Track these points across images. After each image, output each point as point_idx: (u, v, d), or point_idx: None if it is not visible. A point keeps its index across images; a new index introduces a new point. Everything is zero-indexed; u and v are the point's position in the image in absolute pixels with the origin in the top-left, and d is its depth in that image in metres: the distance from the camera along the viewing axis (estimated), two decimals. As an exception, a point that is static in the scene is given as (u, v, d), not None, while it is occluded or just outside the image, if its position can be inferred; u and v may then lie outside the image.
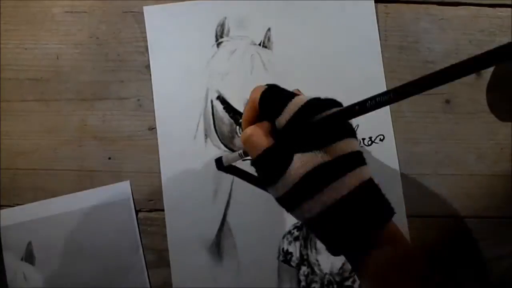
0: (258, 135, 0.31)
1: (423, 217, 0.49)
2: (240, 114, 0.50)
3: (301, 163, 0.29)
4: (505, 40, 0.50)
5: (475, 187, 0.49)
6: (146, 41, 0.50)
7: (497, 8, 0.50)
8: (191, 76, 0.50)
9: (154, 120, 0.50)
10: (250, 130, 0.32)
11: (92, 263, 0.48)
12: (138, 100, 0.50)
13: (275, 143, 0.31)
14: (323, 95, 0.49)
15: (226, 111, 0.50)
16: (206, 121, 0.50)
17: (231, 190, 0.49)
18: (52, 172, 0.49)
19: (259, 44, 0.50)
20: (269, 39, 0.51)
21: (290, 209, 0.31)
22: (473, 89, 0.50)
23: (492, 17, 0.50)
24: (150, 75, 0.50)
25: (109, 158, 0.49)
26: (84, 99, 0.50)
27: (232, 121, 0.50)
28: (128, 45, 0.50)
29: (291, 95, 0.32)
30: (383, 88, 0.50)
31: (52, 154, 0.49)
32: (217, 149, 0.49)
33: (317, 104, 0.30)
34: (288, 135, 0.31)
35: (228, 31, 0.51)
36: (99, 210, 0.48)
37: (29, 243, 0.48)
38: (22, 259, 0.48)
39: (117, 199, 0.49)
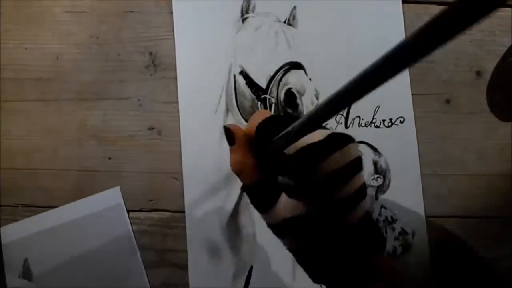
0: (249, 164, 0.31)
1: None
2: (262, 89, 0.50)
3: (285, 208, 0.29)
4: (505, 40, 0.50)
5: (475, 187, 0.49)
6: (146, 41, 0.50)
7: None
8: (215, 50, 0.50)
9: (154, 120, 0.50)
10: (240, 155, 0.31)
11: (90, 272, 0.48)
12: (138, 100, 0.50)
13: (265, 176, 0.31)
14: (344, 76, 0.48)
15: (248, 86, 0.50)
16: (228, 96, 0.50)
17: None
18: (52, 172, 0.49)
19: (284, 22, 0.51)
20: (294, 17, 0.50)
21: (278, 236, 0.31)
22: (473, 89, 0.50)
23: (492, 17, 0.50)
24: (155, 71, 0.50)
25: (109, 158, 0.49)
26: (84, 99, 0.50)
27: (254, 96, 0.50)
28: (128, 45, 0.50)
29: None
30: (402, 79, 0.49)
31: (52, 154, 0.49)
32: (238, 124, 0.49)
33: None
34: (291, 174, 0.29)
35: (254, 7, 0.51)
36: (91, 219, 0.48)
37: (26, 260, 0.47)
38: (20, 277, 0.47)
39: (108, 206, 0.48)
